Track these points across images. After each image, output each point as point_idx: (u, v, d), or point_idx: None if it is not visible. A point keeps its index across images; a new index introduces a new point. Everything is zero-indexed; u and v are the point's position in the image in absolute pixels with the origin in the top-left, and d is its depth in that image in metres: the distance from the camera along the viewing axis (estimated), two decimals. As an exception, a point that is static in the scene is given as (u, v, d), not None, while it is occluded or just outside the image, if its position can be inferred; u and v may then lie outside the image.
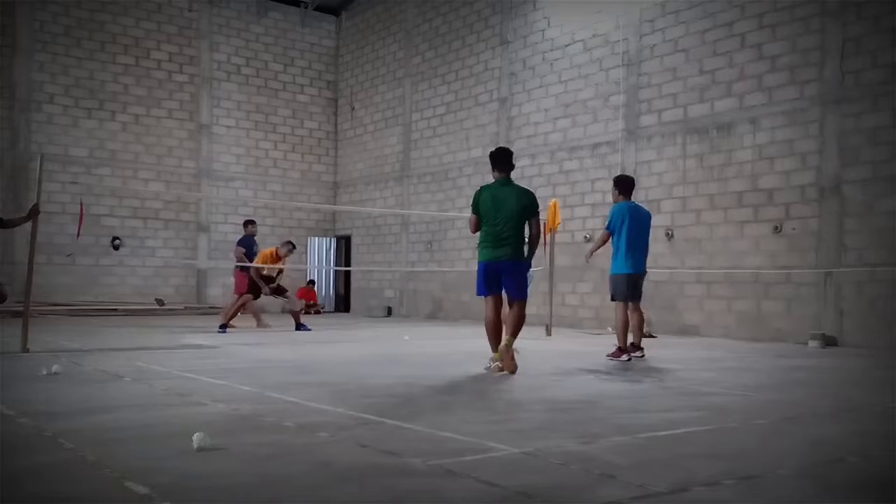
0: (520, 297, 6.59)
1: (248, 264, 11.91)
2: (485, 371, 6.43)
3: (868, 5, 10.39)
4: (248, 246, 12.54)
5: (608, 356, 7.87)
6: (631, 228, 7.90)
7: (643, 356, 7.97)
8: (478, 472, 3.02)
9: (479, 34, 16.42)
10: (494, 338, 6.55)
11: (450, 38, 17.16)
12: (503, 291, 6.69)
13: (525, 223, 6.65)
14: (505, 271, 6.55)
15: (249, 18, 19.36)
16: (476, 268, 6.74)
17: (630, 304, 7.96)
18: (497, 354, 6.44)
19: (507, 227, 6.54)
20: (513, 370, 6.30)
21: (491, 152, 6.90)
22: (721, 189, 11.96)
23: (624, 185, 8.22)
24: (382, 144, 19.02)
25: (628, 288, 7.92)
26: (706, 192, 12.14)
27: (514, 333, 6.49)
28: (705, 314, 12.10)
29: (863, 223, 10.35)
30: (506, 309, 6.75)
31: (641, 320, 8.12)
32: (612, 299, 8.05)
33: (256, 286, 11.80)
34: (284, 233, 19.64)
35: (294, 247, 12.35)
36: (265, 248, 12.50)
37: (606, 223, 8.17)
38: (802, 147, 11.03)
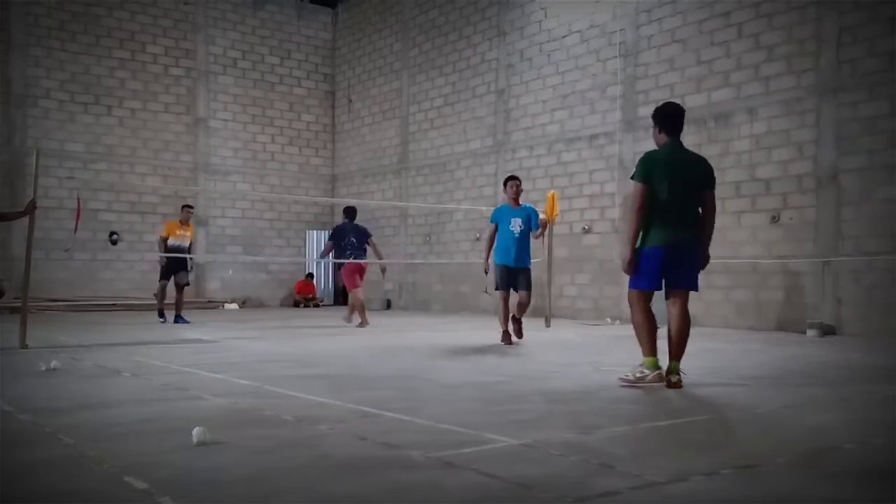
0: (696, 289, 5.43)
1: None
2: (633, 378, 5.26)
3: (865, -6, 10.38)
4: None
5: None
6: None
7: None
8: (477, 464, 3.02)
9: (476, 26, 16.38)
10: (653, 339, 5.38)
11: (446, 29, 17.11)
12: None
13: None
14: (684, 258, 5.31)
15: (245, 11, 19.29)
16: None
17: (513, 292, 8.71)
18: (652, 360, 5.31)
19: (691, 203, 5.41)
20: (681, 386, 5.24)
21: (661, 110, 5.60)
22: (718, 179, 11.65)
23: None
24: (380, 137, 18.99)
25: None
26: (704, 183, 12.10)
27: (684, 349, 5.35)
28: (703, 304, 12.09)
29: (860, 212, 10.36)
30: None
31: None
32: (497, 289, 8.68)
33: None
34: (283, 226, 19.68)
35: (185, 206, 12.71)
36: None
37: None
38: (799, 137, 11.03)
